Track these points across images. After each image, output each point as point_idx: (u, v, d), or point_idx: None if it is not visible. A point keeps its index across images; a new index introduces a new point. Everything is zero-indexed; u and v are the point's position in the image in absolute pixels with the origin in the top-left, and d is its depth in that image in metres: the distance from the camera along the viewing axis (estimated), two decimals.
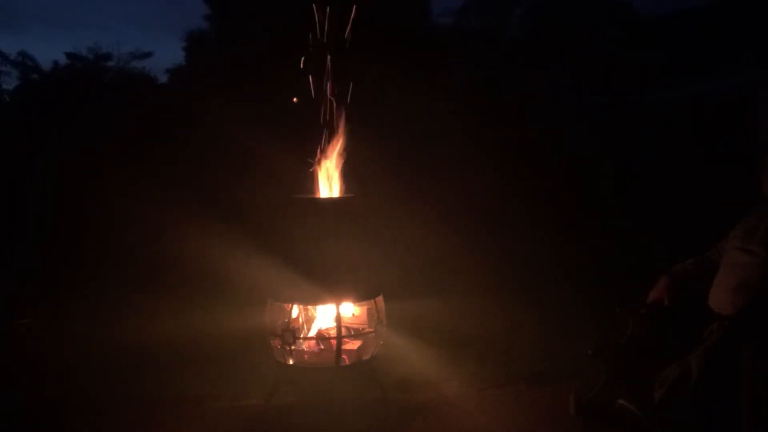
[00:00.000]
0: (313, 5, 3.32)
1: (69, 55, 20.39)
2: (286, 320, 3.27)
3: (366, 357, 3.38)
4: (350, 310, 3.50)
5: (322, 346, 3.33)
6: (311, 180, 3.50)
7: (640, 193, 10.33)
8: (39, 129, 13.08)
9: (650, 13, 17.78)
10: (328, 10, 3.30)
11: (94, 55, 20.47)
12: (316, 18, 3.31)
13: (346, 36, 3.35)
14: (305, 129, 3.50)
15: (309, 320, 3.41)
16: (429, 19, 16.33)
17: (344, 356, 3.27)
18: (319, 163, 3.48)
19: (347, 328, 3.36)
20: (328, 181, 3.50)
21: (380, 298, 3.38)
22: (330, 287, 3.23)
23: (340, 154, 3.47)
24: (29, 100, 17.87)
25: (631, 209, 9.61)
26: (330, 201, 3.43)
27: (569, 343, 4.47)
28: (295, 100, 3.38)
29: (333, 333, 3.24)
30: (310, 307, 3.38)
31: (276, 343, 3.29)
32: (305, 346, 3.35)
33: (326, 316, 3.36)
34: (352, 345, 3.38)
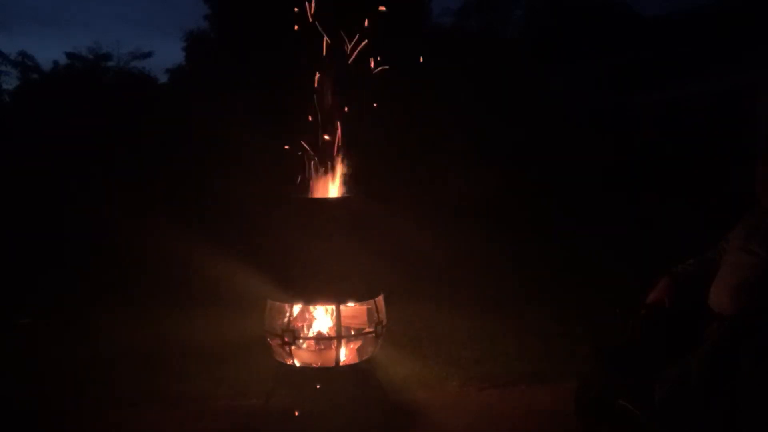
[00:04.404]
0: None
1: (69, 54, 20.41)
2: (286, 320, 3.27)
3: (366, 357, 3.38)
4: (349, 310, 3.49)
5: (322, 346, 3.33)
6: (312, 180, 3.49)
7: (641, 194, 10.33)
8: (40, 129, 13.08)
9: (650, 13, 17.75)
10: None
11: (94, 55, 20.49)
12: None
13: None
14: (305, 129, 3.49)
15: (309, 320, 3.40)
16: (430, 18, 16.33)
17: (344, 356, 3.27)
18: (318, 162, 3.48)
19: (347, 328, 3.36)
20: (329, 181, 3.49)
21: (380, 298, 3.38)
22: (330, 287, 3.23)
23: (339, 154, 3.46)
24: (30, 100, 17.86)
25: (631, 209, 9.61)
26: (330, 201, 3.43)
27: (569, 343, 4.48)
28: (310, 118, 3.37)
29: (333, 333, 3.24)
30: (310, 307, 3.38)
31: (276, 343, 3.29)
32: (305, 346, 3.35)
33: (326, 316, 3.36)
34: (352, 345, 3.38)
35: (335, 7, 3.37)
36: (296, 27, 3.32)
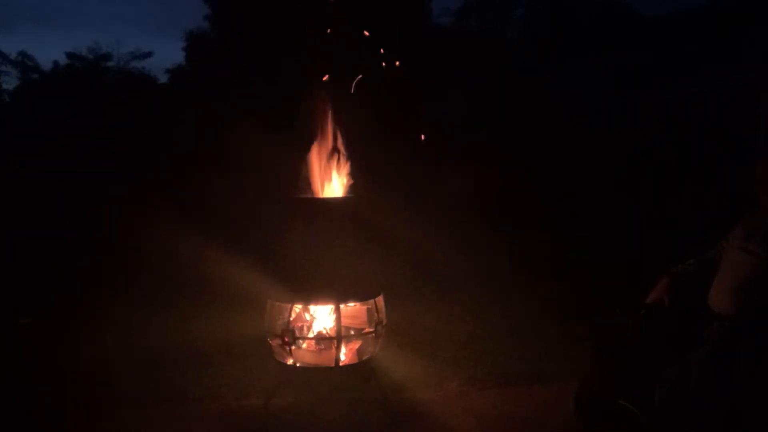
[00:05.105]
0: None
1: (69, 54, 20.42)
2: (286, 320, 3.27)
3: (366, 357, 3.38)
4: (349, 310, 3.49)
5: (322, 346, 3.33)
6: (312, 180, 3.49)
7: (641, 193, 10.33)
8: (40, 129, 13.08)
9: (650, 13, 17.75)
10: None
11: (94, 55, 20.49)
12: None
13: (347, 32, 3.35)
14: (305, 129, 3.50)
15: (309, 320, 3.41)
16: (430, 18, 16.35)
17: (344, 356, 3.27)
18: (318, 162, 3.48)
19: (347, 328, 3.36)
20: (329, 181, 3.50)
21: (380, 298, 3.38)
22: (330, 287, 3.23)
23: (339, 154, 3.47)
24: (30, 100, 17.87)
25: (632, 209, 9.60)
26: (330, 201, 3.43)
27: (569, 343, 4.48)
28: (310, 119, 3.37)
29: (333, 333, 3.24)
30: (310, 307, 3.38)
31: (276, 343, 3.29)
32: (305, 346, 3.35)
33: (326, 316, 3.36)
34: (352, 345, 3.38)
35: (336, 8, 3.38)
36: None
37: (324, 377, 3.28)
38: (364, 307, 3.42)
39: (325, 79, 3.31)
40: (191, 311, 5.42)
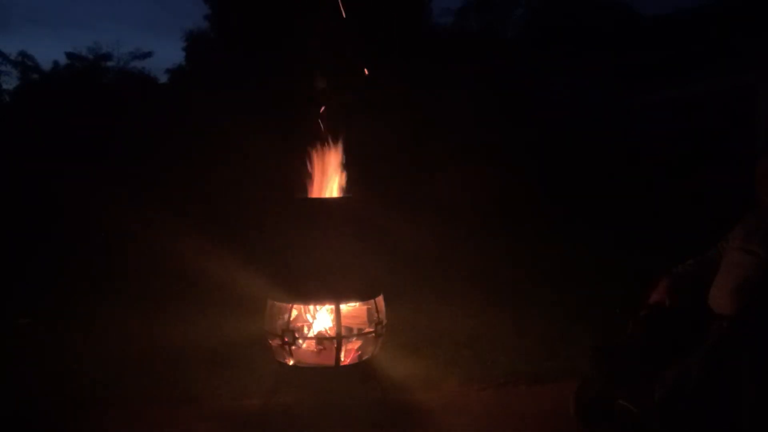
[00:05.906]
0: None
1: (69, 54, 20.42)
2: (286, 320, 3.27)
3: (366, 357, 3.38)
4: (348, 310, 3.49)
5: (322, 346, 3.33)
6: (311, 180, 3.50)
7: (642, 195, 10.33)
8: (40, 129, 13.08)
9: (650, 13, 17.76)
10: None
11: (94, 55, 20.50)
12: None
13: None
14: (304, 129, 3.50)
15: (309, 320, 3.40)
16: (430, 18, 16.36)
17: (344, 356, 3.27)
18: (318, 162, 3.48)
19: (347, 328, 3.36)
20: (329, 181, 3.50)
21: (380, 298, 3.38)
22: (330, 287, 3.23)
23: (339, 154, 3.47)
24: (30, 100, 17.87)
25: (632, 209, 9.61)
26: (330, 201, 3.43)
27: (569, 343, 4.47)
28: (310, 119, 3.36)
29: (333, 333, 3.24)
30: (310, 307, 3.38)
31: (276, 343, 3.29)
32: (305, 346, 3.35)
33: (326, 316, 3.36)
34: (352, 345, 3.38)
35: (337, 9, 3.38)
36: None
37: (324, 377, 3.28)
38: (364, 307, 3.42)
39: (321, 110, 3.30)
40: (191, 311, 5.42)
